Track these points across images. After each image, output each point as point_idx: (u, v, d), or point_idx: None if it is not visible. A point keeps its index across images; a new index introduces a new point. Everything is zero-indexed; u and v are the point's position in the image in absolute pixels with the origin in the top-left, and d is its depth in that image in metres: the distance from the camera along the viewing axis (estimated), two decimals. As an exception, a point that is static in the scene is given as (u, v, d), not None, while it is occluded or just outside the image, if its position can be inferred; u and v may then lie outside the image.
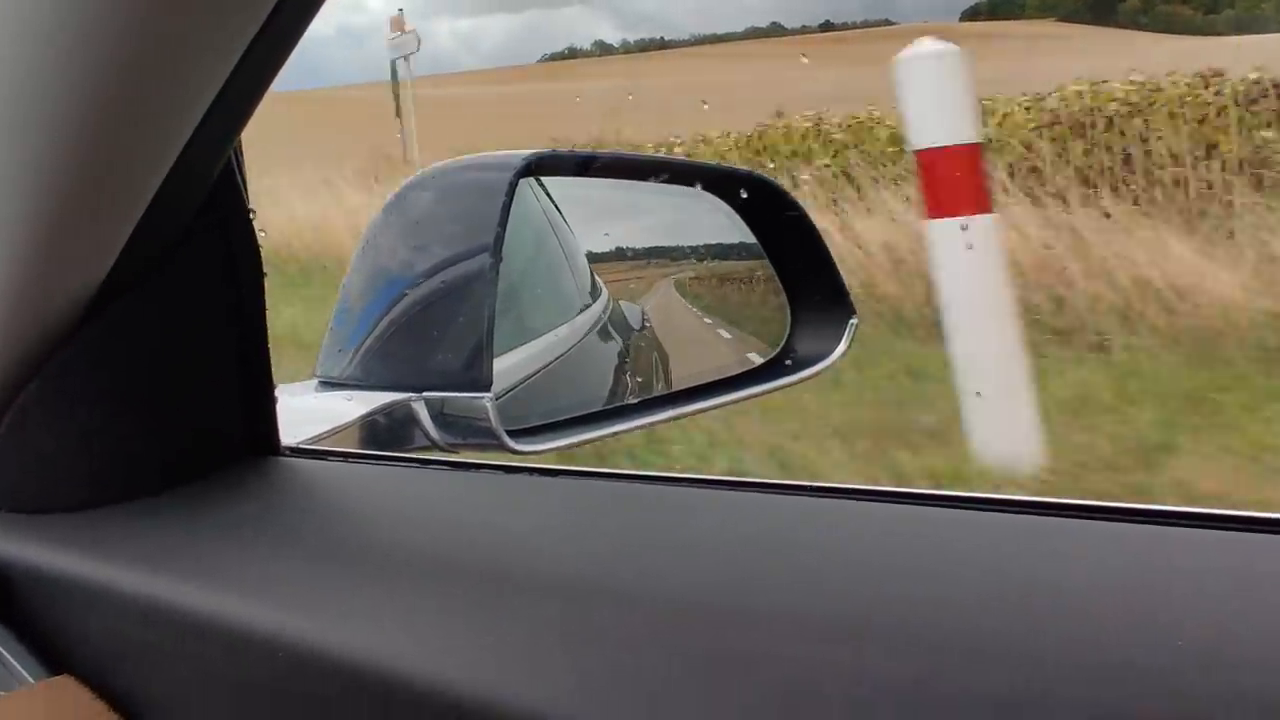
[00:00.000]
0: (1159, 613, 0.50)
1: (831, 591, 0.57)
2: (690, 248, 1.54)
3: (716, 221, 1.41)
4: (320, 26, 0.71)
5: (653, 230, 1.52)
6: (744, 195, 1.35)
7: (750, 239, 1.39)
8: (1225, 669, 0.45)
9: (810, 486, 0.69)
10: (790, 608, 0.56)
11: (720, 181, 1.39)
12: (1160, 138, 6.39)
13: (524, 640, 0.59)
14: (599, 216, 1.48)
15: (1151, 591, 0.52)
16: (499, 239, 1.05)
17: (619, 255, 1.55)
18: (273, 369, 0.88)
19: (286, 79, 0.74)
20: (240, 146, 0.81)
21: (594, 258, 1.50)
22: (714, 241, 1.48)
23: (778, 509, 0.70)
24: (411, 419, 1.07)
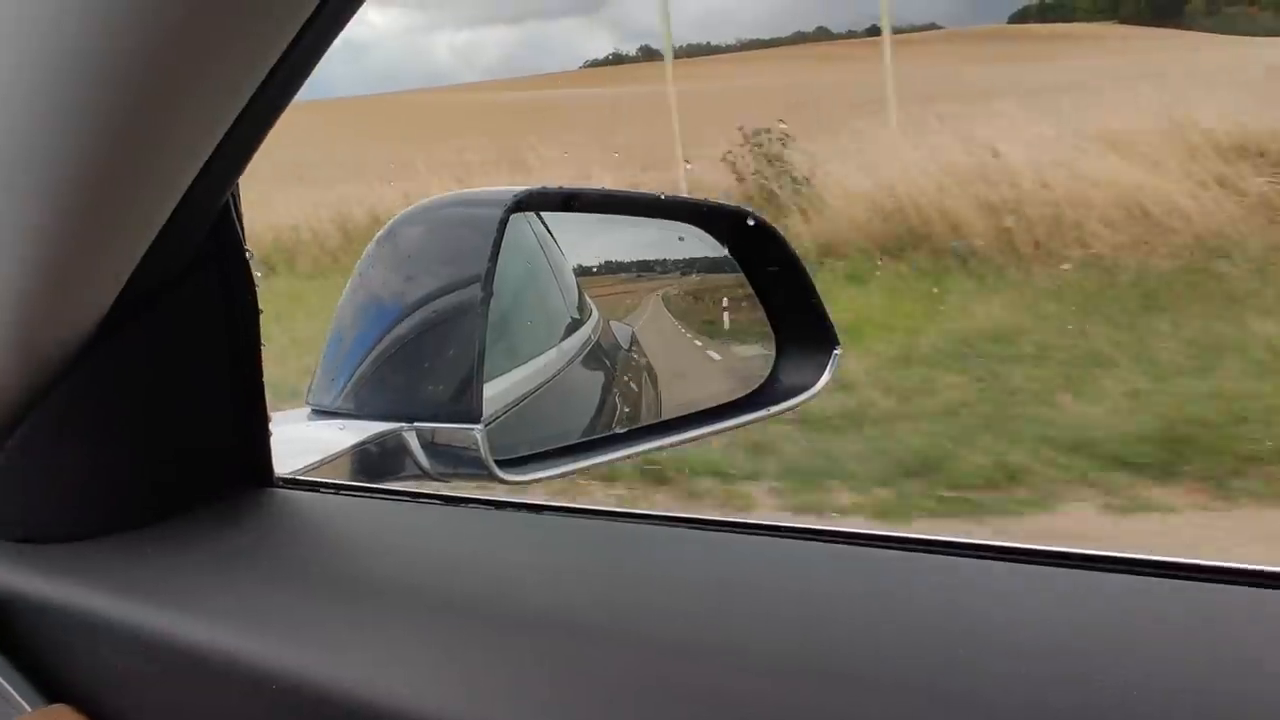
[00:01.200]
0: (1114, 660, 0.51)
1: (812, 632, 0.58)
2: (678, 261, 1.56)
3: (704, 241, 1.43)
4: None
5: (642, 245, 1.54)
6: (734, 230, 1.37)
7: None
8: (1179, 717, 0.47)
9: (793, 528, 0.70)
10: (774, 649, 0.57)
11: (709, 217, 1.41)
12: None
13: (510, 675, 0.60)
14: (590, 233, 1.49)
15: (1107, 639, 0.54)
16: (490, 274, 1.07)
17: (609, 269, 1.57)
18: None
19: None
20: (239, 188, 0.83)
21: (582, 271, 1.52)
22: (701, 256, 1.50)
23: (761, 550, 0.71)
24: (403, 448, 1.09)
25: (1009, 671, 0.52)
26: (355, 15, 0.68)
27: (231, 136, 0.69)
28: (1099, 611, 0.57)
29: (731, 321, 1.56)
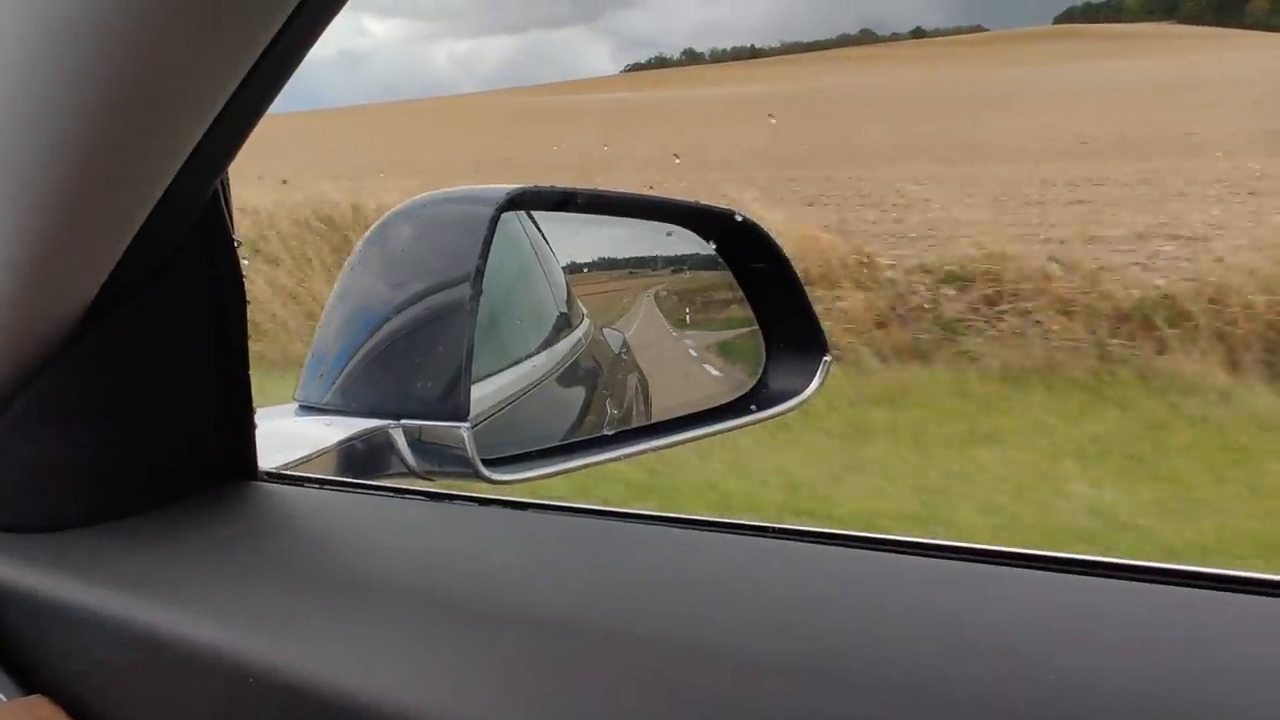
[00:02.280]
0: (1099, 662, 0.52)
1: (795, 632, 0.59)
2: (666, 259, 1.57)
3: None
4: (319, 50, 0.73)
5: (635, 240, 1.55)
6: (721, 233, 1.37)
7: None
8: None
9: (775, 528, 0.70)
10: (754, 646, 0.58)
11: (700, 219, 1.41)
12: None
13: (491, 671, 0.60)
14: (584, 226, 1.50)
15: (1086, 641, 0.54)
16: (480, 272, 1.07)
17: (603, 265, 1.58)
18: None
19: (283, 102, 0.76)
20: (228, 178, 0.83)
21: (575, 268, 1.53)
22: (691, 253, 1.51)
23: (744, 549, 0.71)
24: (389, 445, 1.08)
25: (987, 672, 0.52)
26: (347, 15, 0.68)
27: (218, 126, 0.69)
28: (1078, 614, 0.57)
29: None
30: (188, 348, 0.84)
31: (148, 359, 0.82)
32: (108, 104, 0.63)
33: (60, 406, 0.80)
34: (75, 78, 0.62)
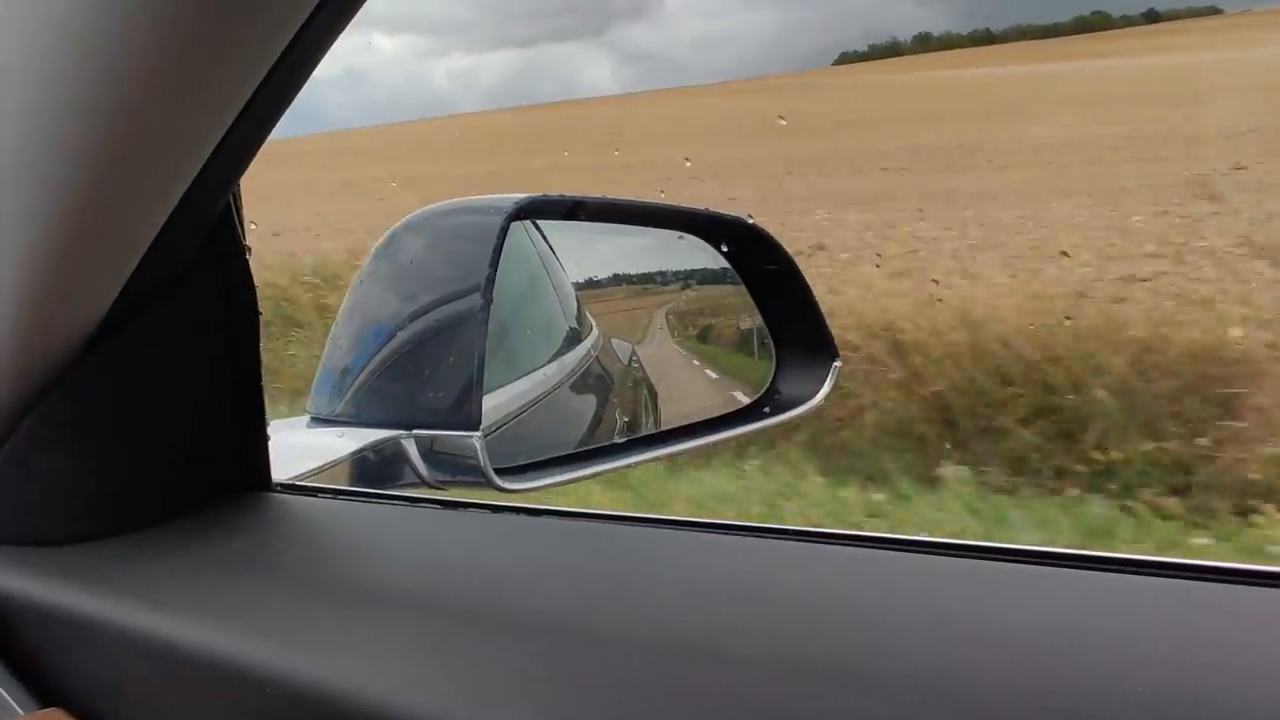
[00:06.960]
0: (1121, 659, 0.52)
1: (804, 633, 0.59)
2: (675, 272, 1.58)
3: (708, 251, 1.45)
4: (322, 68, 0.74)
5: (648, 252, 1.55)
6: (732, 240, 1.38)
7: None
8: (1184, 715, 0.47)
9: (787, 530, 0.70)
10: (764, 649, 0.58)
11: (709, 227, 1.42)
12: None
13: (507, 677, 0.61)
14: (592, 236, 1.51)
15: (1114, 638, 0.54)
16: (490, 281, 1.07)
17: (613, 281, 1.58)
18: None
19: (287, 123, 0.77)
20: (239, 189, 0.84)
21: (585, 284, 1.53)
22: (701, 264, 1.51)
23: (755, 551, 0.71)
24: (401, 456, 1.09)
25: (1002, 668, 0.53)
26: (353, 20, 0.69)
27: (230, 139, 0.70)
28: (1082, 608, 0.57)
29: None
30: (201, 360, 0.84)
31: (161, 372, 0.82)
32: (121, 119, 0.63)
33: (75, 420, 0.80)
34: (87, 94, 0.62)
